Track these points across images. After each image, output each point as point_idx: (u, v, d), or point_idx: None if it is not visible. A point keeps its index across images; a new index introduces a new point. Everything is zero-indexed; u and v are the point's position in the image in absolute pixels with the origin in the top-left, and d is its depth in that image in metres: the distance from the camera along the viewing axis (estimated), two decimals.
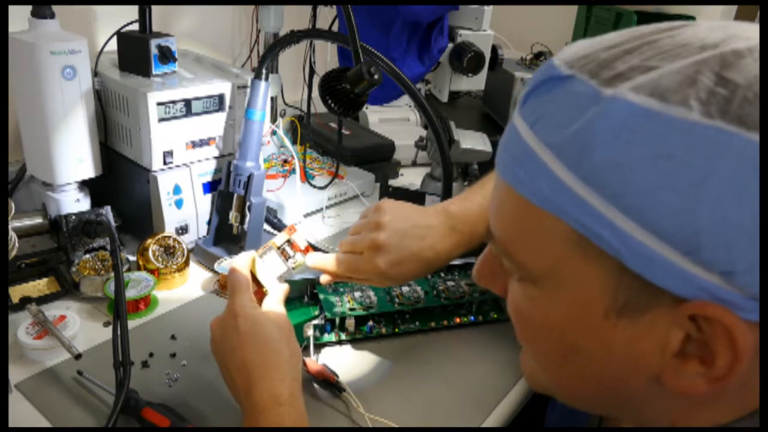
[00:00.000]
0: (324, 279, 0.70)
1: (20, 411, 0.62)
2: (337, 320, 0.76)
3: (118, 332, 0.64)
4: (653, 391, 0.35)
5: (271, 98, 1.17)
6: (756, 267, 0.29)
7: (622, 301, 0.33)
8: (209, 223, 0.95)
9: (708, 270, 0.29)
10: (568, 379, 0.40)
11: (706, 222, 0.29)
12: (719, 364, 0.31)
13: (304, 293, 0.79)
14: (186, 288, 0.87)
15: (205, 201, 0.94)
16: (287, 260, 0.67)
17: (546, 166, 0.33)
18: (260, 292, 0.65)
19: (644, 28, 0.34)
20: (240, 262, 0.65)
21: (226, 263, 0.86)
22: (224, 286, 0.86)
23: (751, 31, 0.32)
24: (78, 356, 0.66)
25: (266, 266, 0.66)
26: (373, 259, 0.64)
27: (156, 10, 0.92)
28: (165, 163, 0.88)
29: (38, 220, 0.83)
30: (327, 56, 1.22)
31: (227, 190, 0.91)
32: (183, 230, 0.92)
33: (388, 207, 0.67)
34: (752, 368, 0.32)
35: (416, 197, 1.03)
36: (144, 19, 0.90)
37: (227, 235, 0.93)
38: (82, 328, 0.73)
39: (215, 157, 0.95)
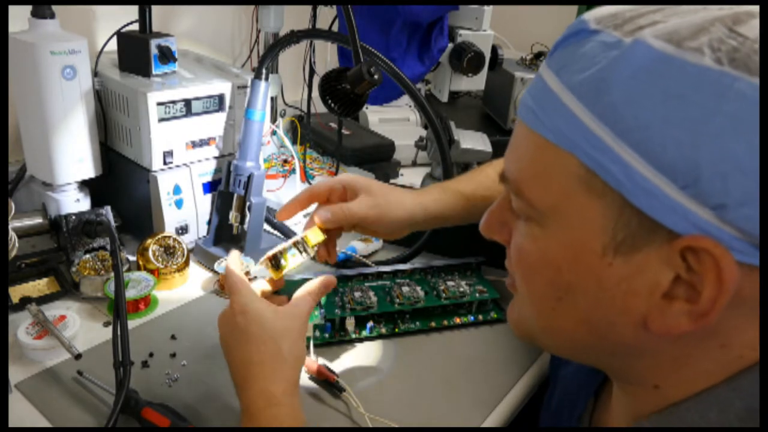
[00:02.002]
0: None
1: (20, 411, 0.62)
2: (337, 320, 0.76)
3: (118, 332, 0.64)
4: (639, 340, 0.38)
5: (271, 98, 1.17)
6: (746, 202, 0.31)
7: (620, 238, 0.35)
8: (209, 223, 0.95)
9: (702, 205, 0.32)
10: (559, 322, 0.42)
11: (706, 154, 0.31)
12: (704, 298, 0.34)
13: None
14: (186, 288, 0.87)
15: (205, 201, 0.94)
16: (302, 253, 0.67)
17: (565, 106, 0.36)
18: (273, 282, 0.65)
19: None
20: (231, 263, 0.64)
21: (226, 263, 0.86)
22: (224, 286, 0.86)
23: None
24: (78, 356, 0.66)
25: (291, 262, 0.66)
26: (348, 175, 0.70)
27: (156, 10, 0.92)
28: (165, 163, 0.88)
29: (38, 220, 0.83)
30: (327, 56, 1.22)
31: (227, 190, 0.91)
32: (183, 230, 0.92)
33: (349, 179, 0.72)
34: (731, 324, 0.35)
35: None
36: (144, 19, 0.90)
37: (227, 235, 0.93)
38: (82, 328, 0.73)
39: (215, 157, 0.95)
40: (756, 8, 0.34)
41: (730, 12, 0.34)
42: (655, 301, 0.36)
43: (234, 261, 0.65)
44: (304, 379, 0.70)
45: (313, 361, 0.70)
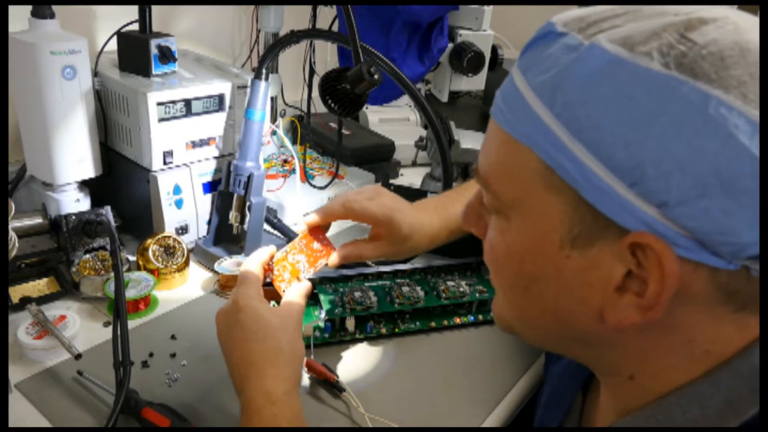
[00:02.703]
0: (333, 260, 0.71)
1: (20, 411, 0.62)
2: (337, 320, 0.76)
3: (118, 332, 0.64)
4: (599, 330, 0.40)
5: (271, 98, 1.17)
6: (685, 201, 0.33)
7: (575, 232, 0.37)
8: (209, 223, 0.95)
9: (648, 203, 0.34)
10: (528, 311, 0.44)
11: (651, 154, 0.33)
12: (650, 291, 0.35)
13: None
14: (186, 288, 0.87)
15: (205, 201, 0.94)
16: (312, 259, 0.68)
17: (528, 105, 0.38)
18: (271, 292, 0.65)
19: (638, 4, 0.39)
20: (256, 257, 0.65)
21: (226, 263, 0.86)
22: (224, 286, 0.86)
23: (723, 11, 0.36)
24: (78, 356, 0.66)
25: (290, 264, 0.67)
26: (380, 200, 0.70)
27: (156, 10, 0.92)
28: (165, 163, 0.88)
29: (38, 220, 0.83)
30: (327, 56, 1.22)
31: (227, 190, 0.91)
32: (183, 230, 0.92)
33: (386, 190, 0.74)
34: (689, 320, 0.37)
35: (418, 196, 1.02)
36: (144, 19, 0.90)
37: (227, 235, 0.93)
38: (82, 328, 0.73)
39: (215, 157, 0.95)
40: (711, 14, 0.35)
41: (684, 18, 0.35)
42: (609, 294, 0.37)
43: (262, 253, 0.65)
44: (304, 379, 0.70)
45: (313, 361, 0.70)
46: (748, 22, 0.35)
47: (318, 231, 0.71)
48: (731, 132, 0.31)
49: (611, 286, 0.37)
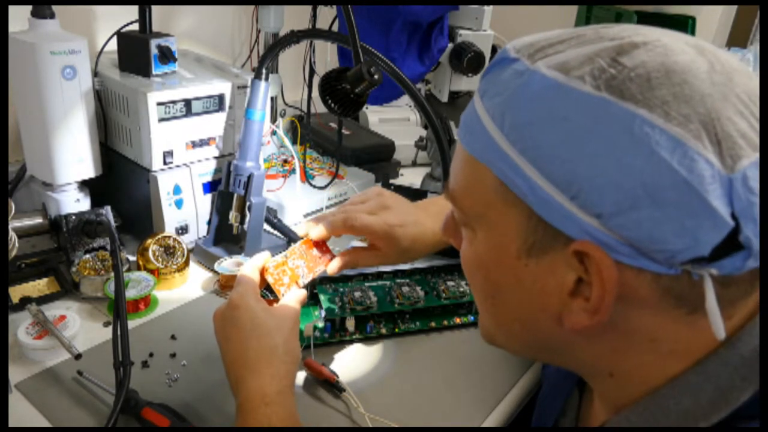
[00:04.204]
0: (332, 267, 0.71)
1: (20, 411, 0.62)
2: (337, 320, 0.76)
3: (118, 332, 0.64)
4: (563, 334, 0.42)
5: (271, 98, 1.17)
6: (619, 212, 0.35)
7: (530, 242, 0.40)
8: (209, 223, 0.95)
9: (587, 213, 0.36)
10: (499, 319, 0.47)
11: (585, 170, 0.36)
12: (594, 296, 0.38)
13: None
14: (186, 288, 0.87)
15: (205, 201, 0.94)
16: (311, 265, 0.69)
17: (484, 126, 0.41)
18: (270, 302, 0.65)
19: (587, 27, 0.42)
20: (252, 262, 0.66)
21: (226, 263, 0.86)
22: (224, 286, 0.86)
23: (657, 34, 0.39)
24: (78, 356, 0.66)
25: (289, 269, 0.67)
26: (382, 215, 0.70)
27: (156, 10, 0.92)
28: (165, 163, 0.88)
29: (38, 220, 0.83)
30: (327, 56, 1.22)
31: (227, 190, 0.91)
32: (183, 230, 0.92)
33: (389, 193, 0.75)
34: (643, 322, 0.39)
35: (418, 196, 1.02)
36: (144, 19, 0.90)
37: (227, 235, 0.93)
38: (82, 328, 0.73)
39: (215, 157, 0.95)
40: (643, 38, 0.38)
41: (618, 43, 0.38)
42: (563, 299, 0.40)
43: (258, 259, 0.66)
44: (305, 379, 0.70)
45: (313, 361, 0.70)
46: (678, 44, 0.38)
47: (331, 235, 0.71)
48: (653, 148, 0.34)
49: (565, 291, 0.40)
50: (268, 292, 0.68)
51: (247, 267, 0.65)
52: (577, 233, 0.37)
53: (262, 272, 0.66)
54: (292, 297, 0.65)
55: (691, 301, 0.37)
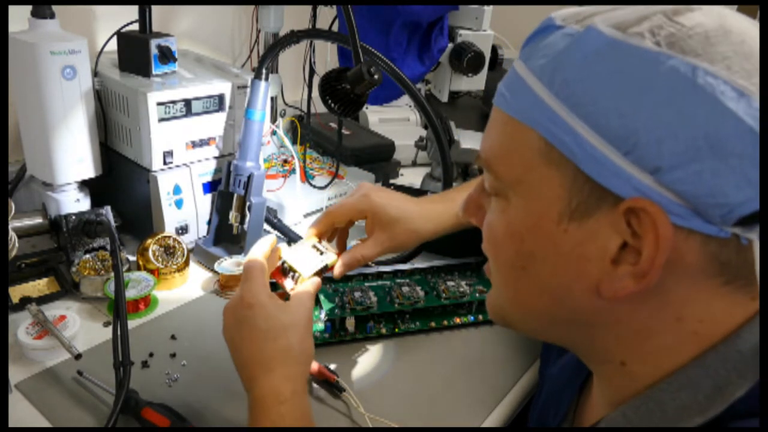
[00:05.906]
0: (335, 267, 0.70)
1: (20, 411, 0.62)
2: (337, 320, 0.76)
3: (118, 332, 0.64)
4: (595, 306, 0.41)
5: (271, 98, 1.17)
6: (678, 165, 0.35)
7: (574, 205, 0.39)
8: (209, 223, 0.95)
9: (641, 169, 0.36)
10: (524, 293, 0.45)
11: (644, 122, 0.35)
12: (644, 257, 0.37)
13: None
14: (186, 288, 0.87)
15: (205, 201, 0.94)
16: (321, 254, 0.68)
17: (529, 87, 0.40)
18: (280, 295, 0.64)
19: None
20: (259, 248, 0.63)
21: (226, 263, 0.86)
22: (224, 286, 0.86)
23: (707, 6, 0.39)
24: (78, 356, 0.66)
25: (300, 257, 0.66)
26: (357, 192, 0.72)
27: (156, 10, 0.92)
28: (165, 163, 0.88)
29: (38, 220, 0.83)
30: (327, 56, 1.22)
31: (227, 190, 0.91)
32: (183, 230, 0.92)
33: (369, 184, 0.75)
34: (680, 294, 0.38)
35: (418, 196, 1.02)
36: (144, 19, 0.90)
37: (227, 235, 0.93)
38: (82, 328, 0.73)
39: (215, 157, 0.95)
40: (695, 6, 0.38)
41: (672, 7, 0.38)
42: (605, 266, 0.39)
43: (264, 244, 0.63)
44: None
45: (313, 361, 0.70)
46: (730, 11, 0.39)
47: (322, 236, 0.71)
48: (718, 98, 0.34)
49: (607, 257, 0.39)
50: (278, 282, 0.66)
51: (254, 255, 0.62)
52: (627, 192, 0.36)
53: (270, 257, 0.64)
54: (306, 288, 0.62)
55: (734, 268, 0.37)
